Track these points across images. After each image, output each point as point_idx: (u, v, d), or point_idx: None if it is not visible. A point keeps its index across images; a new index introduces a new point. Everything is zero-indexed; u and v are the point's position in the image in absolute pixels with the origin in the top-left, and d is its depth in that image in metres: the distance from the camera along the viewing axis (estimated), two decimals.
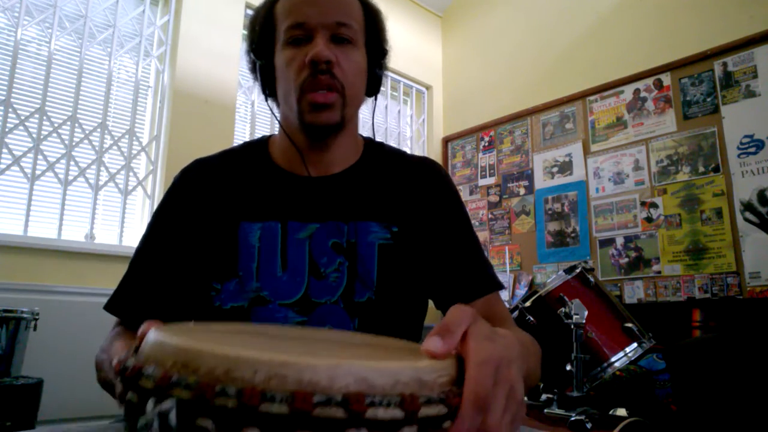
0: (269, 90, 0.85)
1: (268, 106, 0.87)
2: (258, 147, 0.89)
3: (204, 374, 0.33)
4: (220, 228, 0.80)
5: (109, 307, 0.79)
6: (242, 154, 0.88)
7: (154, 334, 0.41)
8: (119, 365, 0.39)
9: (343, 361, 0.34)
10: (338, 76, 0.76)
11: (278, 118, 0.87)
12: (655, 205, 2.88)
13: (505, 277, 3.37)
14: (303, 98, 0.76)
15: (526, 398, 1.75)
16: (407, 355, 0.43)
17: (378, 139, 0.96)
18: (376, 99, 0.91)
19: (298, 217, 0.81)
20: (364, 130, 0.94)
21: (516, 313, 1.68)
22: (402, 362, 0.37)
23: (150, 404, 0.33)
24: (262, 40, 0.83)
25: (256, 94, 3.19)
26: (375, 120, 3.83)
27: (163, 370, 0.35)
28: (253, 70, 0.86)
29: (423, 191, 0.87)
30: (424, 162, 0.92)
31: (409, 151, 0.96)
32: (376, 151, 0.91)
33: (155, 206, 3.07)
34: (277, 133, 0.89)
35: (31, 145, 2.40)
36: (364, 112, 0.92)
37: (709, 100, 2.75)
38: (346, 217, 0.81)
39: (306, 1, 0.77)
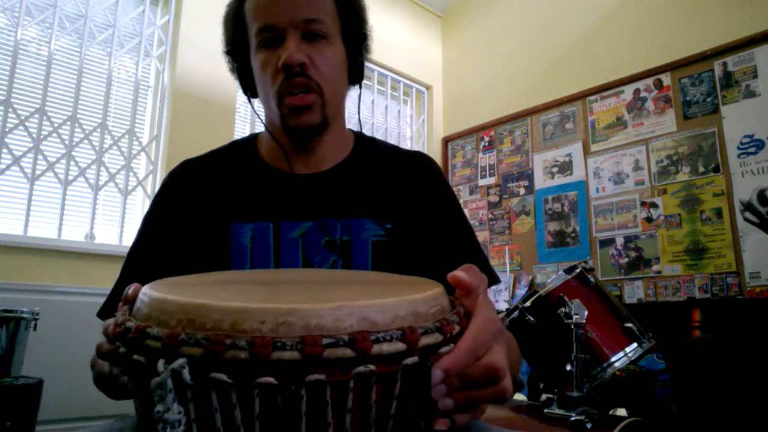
0: (250, 91, 0.84)
1: (251, 105, 0.86)
2: (246, 145, 0.88)
3: (212, 329, 0.34)
4: (211, 230, 0.79)
5: (102, 314, 0.77)
6: (230, 154, 0.88)
7: (149, 293, 0.40)
8: (117, 328, 0.39)
9: (345, 302, 0.36)
10: (313, 76, 0.75)
11: (263, 120, 0.86)
12: (655, 205, 2.88)
13: (505, 277, 3.37)
14: (282, 103, 0.76)
15: (525, 398, 1.75)
16: (401, 289, 0.44)
17: (378, 138, 0.94)
18: (361, 87, 0.88)
19: (290, 215, 0.80)
20: (361, 127, 0.93)
21: (516, 313, 1.67)
22: (397, 297, 0.39)
23: (161, 365, 0.34)
24: (236, 40, 0.82)
25: None
26: (375, 120, 3.84)
27: (169, 329, 0.35)
28: (232, 71, 0.85)
29: (416, 186, 0.85)
30: (415, 156, 0.90)
31: None
32: (366, 145, 0.90)
33: None
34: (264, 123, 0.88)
35: (31, 145, 2.40)
36: (363, 108, 0.92)
37: (709, 100, 2.75)
38: (338, 214, 0.80)
39: (272, 0, 0.75)
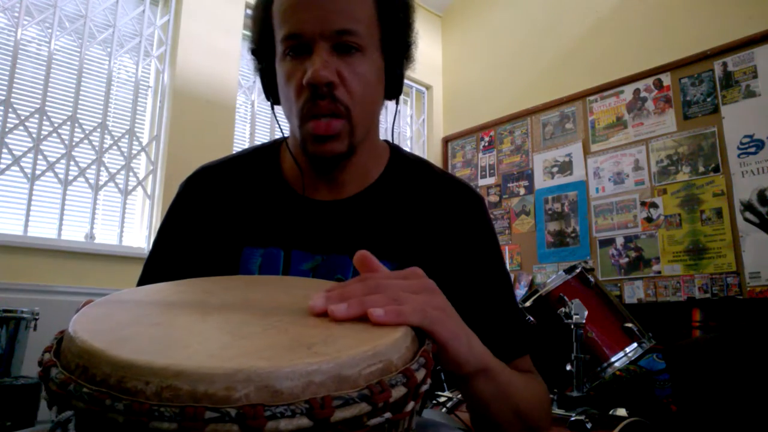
0: (273, 97, 0.75)
1: (273, 114, 0.76)
2: (269, 156, 0.81)
3: (99, 383, 0.32)
4: (222, 251, 0.74)
5: None
6: (251, 164, 0.80)
7: (72, 322, 0.38)
8: (43, 353, 0.37)
9: (245, 365, 0.31)
10: (341, 98, 0.66)
11: (283, 132, 0.78)
12: (655, 205, 2.88)
13: None
14: (304, 126, 0.67)
15: None
16: (354, 337, 0.38)
17: (418, 159, 0.84)
18: (397, 103, 0.76)
19: (303, 246, 0.73)
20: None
21: None
22: (321, 356, 0.33)
23: (53, 413, 0.32)
24: (262, 41, 0.74)
25: (256, 94, 3.19)
26: None
27: (67, 373, 0.34)
28: (256, 71, 0.78)
29: (447, 227, 0.74)
30: (458, 190, 0.78)
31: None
32: (400, 168, 0.79)
33: (155, 206, 3.04)
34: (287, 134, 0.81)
35: (31, 145, 2.40)
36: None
37: (709, 100, 2.75)
38: (351, 250, 0.70)
39: (301, 4, 0.66)
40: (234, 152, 0.85)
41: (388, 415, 0.34)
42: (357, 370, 0.34)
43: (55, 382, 0.33)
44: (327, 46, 0.66)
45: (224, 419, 0.29)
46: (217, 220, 0.76)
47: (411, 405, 0.37)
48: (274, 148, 0.82)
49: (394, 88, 0.74)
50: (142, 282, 0.77)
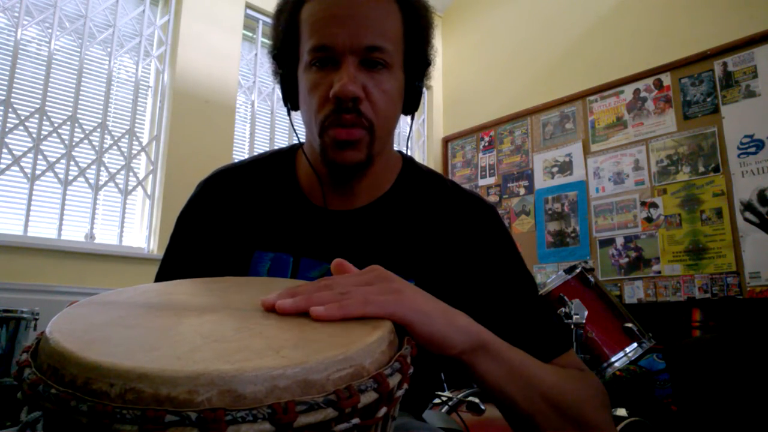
0: (291, 103, 0.75)
1: (290, 121, 0.76)
2: (285, 162, 0.81)
3: (67, 384, 0.32)
4: (234, 253, 0.75)
5: None
6: (268, 169, 0.81)
7: (51, 322, 0.38)
8: (21, 353, 0.37)
9: (209, 368, 0.31)
10: (365, 112, 0.66)
11: (299, 137, 0.79)
12: (655, 205, 2.88)
13: None
14: (325, 134, 0.68)
15: None
16: (331, 339, 0.38)
17: (430, 171, 0.84)
18: (413, 118, 0.77)
19: (312, 253, 0.73)
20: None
21: None
22: (287, 360, 0.33)
23: (23, 413, 0.33)
24: (284, 46, 0.73)
25: (256, 94, 3.19)
26: None
27: (37, 375, 0.34)
28: (275, 75, 0.78)
29: (463, 239, 0.74)
30: (469, 202, 0.78)
31: (408, 152, 0.84)
32: (411, 180, 0.79)
33: (155, 206, 3.03)
34: (303, 140, 0.81)
35: (31, 145, 2.40)
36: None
37: (709, 100, 2.75)
38: (360, 261, 0.71)
39: (333, 18, 0.66)
40: (252, 155, 0.87)
41: (356, 420, 0.34)
42: (325, 375, 0.33)
43: (27, 382, 0.33)
44: (355, 60, 0.66)
45: (185, 423, 0.29)
46: (231, 223, 0.77)
47: (383, 410, 0.36)
48: (290, 153, 0.82)
49: (412, 104, 0.75)
50: (158, 279, 0.78)
